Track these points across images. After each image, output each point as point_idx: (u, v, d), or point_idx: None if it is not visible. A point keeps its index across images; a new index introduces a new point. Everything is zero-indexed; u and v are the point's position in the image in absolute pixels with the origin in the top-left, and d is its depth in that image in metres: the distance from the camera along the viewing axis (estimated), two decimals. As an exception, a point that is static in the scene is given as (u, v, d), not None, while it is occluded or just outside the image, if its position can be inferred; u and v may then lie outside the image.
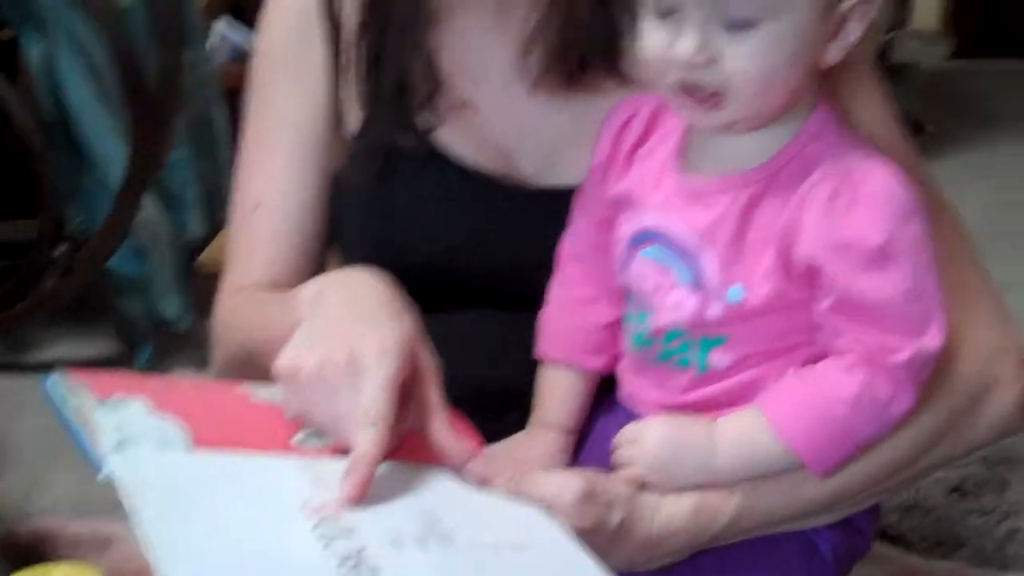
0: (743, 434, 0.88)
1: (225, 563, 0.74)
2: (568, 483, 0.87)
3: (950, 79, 4.69)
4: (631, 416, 0.94)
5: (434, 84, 1.07)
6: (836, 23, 0.85)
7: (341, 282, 0.94)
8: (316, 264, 1.15)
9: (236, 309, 1.11)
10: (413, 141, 1.07)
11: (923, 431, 0.94)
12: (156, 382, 0.95)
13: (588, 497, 0.86)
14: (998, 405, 0.97)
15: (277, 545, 0.76)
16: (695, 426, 0.90)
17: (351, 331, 0.85)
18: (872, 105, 1.01)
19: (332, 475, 0.82)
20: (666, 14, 0.84)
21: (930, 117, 4.09)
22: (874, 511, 1.01)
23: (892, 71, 3.87)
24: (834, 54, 0.87)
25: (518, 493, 0.87)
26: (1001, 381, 0.97)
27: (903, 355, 0.84)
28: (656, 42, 0.85)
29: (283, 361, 0.86)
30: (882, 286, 0.83)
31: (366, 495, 0.80)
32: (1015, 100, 4.55)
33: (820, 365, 0.87)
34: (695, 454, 0.89)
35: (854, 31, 0.86)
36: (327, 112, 1.12)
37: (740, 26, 0.82)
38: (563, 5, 1.02)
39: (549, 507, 0.85)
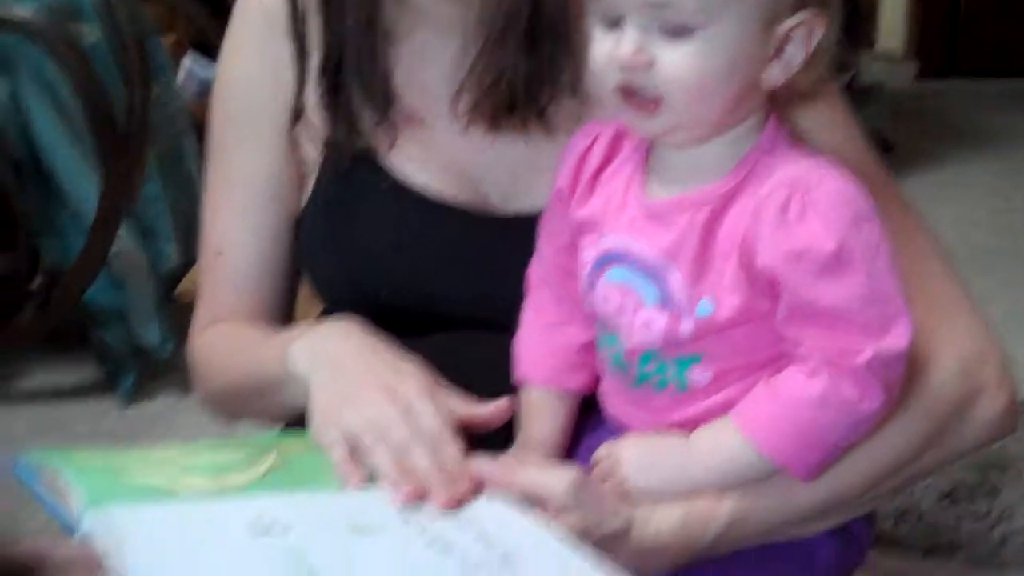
0: (716, 443, 0.89)
1: None
2: (562, 473, 0.89)
3: (917, 99, 4.73)
4: (617, 434, 0.94)
5: (389, 98, 1.07)
6: (776, 43, 0.86)
7: (333, 337, 0.99)
8: (286, 300, 1.17)
9: (215, 348, 1.13)
10: (370, 156, 1.07)
11: (911, 436, 0.94)
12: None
13: (581, 487, 0.87)
14: (985, 411, 0.98)
15: None
16: (669, 439, 0.91)
17: (381, 382, 0.93)
18: (839, 128, 1.02)
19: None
20: (612, 25, 0.86)
21: (899, 137, 4.12)
22: (870, 519, 1.01)
23: (860, 92, 3.89)
24: (777, 75, 0.87)
25: (511, 485, 0.88)
26: (986, 387, 0.98)
27: (864, 356, 0.84)
28: (601, 50, 0.87)
29: (330, 430, 0.91)
30: (837, 291, 0.84)
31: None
32: (981, 118, 4.59)
33: (785, 372, 0.87)
34: (670, 465, 0.90)
35: (795, 55, 0.87)
36: (284, 156, 1.12)
37: (677, 32, 0.84)
38: (491, 47, 1.03)
39: (542, 498, 0.87)
